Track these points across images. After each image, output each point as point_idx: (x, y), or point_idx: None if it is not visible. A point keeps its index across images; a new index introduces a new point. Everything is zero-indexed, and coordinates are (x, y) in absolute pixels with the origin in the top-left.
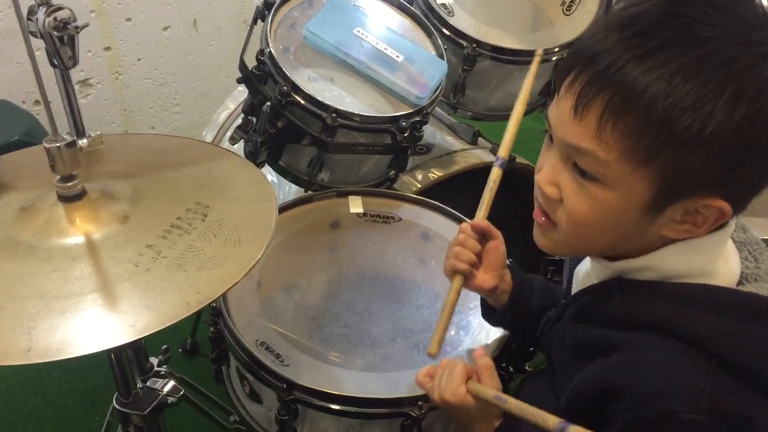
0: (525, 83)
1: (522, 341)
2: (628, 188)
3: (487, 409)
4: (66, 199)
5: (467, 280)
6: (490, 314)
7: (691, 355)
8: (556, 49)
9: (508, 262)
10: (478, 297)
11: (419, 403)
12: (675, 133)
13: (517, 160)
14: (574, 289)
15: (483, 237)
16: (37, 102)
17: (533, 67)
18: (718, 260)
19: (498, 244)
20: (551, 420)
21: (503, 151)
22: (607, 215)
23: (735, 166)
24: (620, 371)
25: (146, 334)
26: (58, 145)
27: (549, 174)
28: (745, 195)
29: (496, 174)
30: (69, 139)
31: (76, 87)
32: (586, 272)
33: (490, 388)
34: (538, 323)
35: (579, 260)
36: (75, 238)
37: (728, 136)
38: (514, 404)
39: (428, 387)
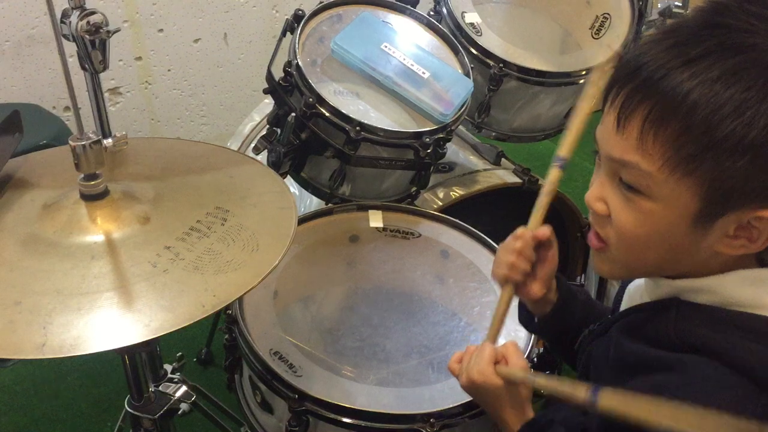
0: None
1: (541, 361)
2: (673, 199)
3: (518, 393)
4: (88, 197)
5: (517, 288)
6: (528, 321)
7: (743, 385)
8: (584, 72)
9: None
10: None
11: (431, 420)
12: (716, 141)
13: (540, 182)
14: (624, 306)
15: (539, 245)
16: (67, 108)
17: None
18: None
19: (554, 254)
20: (582, 388)
21: (564, 150)
22: (655, 228)
23: None
24: (667, 391)
25: (160, 334)
26: (83, 143)
27: (597, 191)
28: None
29: (554, 175)
30: (94, 137)
31: (106, 95)
32: (638, 289)
33: (518, 368)
34: (573, 337)
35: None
36: (95, 237)
37: None
38: (543, 380)
39: (457, 372)
